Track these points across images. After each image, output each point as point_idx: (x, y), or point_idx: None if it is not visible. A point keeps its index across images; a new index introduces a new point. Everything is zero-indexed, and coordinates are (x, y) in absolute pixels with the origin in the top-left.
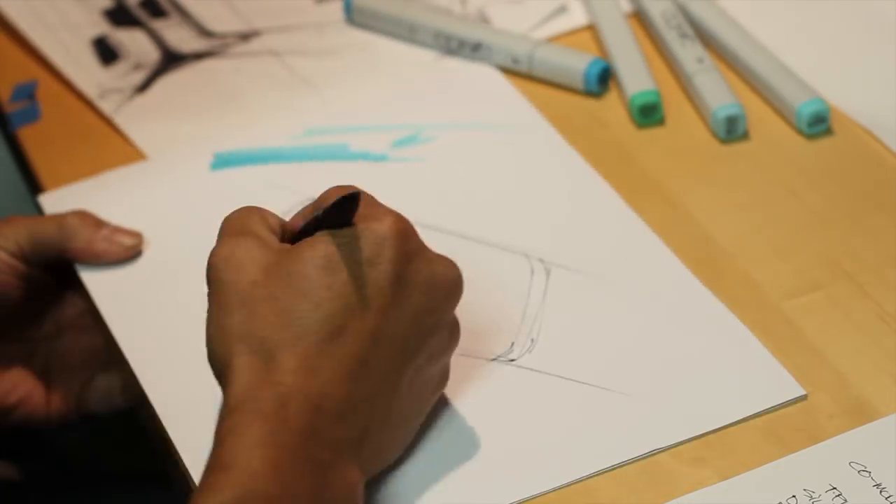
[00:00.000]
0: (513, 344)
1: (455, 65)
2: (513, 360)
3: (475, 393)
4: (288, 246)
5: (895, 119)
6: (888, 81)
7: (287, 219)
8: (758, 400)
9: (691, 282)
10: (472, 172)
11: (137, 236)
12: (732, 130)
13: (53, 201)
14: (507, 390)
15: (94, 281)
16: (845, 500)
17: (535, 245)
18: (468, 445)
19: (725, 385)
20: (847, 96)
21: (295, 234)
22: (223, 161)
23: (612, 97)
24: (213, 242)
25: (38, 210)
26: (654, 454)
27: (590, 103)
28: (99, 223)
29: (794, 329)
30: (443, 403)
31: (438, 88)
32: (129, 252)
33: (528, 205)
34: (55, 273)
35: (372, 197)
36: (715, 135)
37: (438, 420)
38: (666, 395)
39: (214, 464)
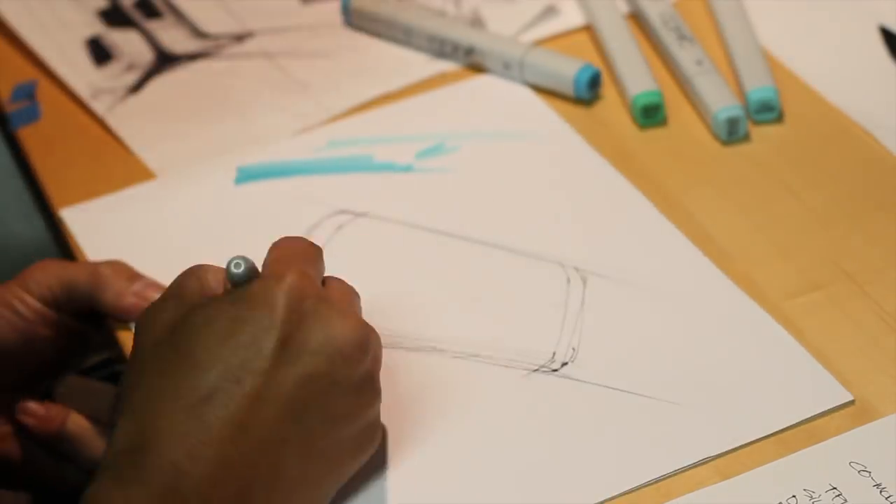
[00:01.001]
0: (554, 354)
1: (458, 71)
2: (555, 371)
3: (518, 404)
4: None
5: (895, 119)
6: (888, 81)
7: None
8: (806, 406)
9: (728, 287)
10: (499, 182)
11: None
12: (734, 132)
13: (76, 215)
14: (550, 401)
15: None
16: (845, 500)
17: (568, 254)
18: (514, 458)
19: (772, 392)
20: (847, 96)
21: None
22: (247, 175)
23: (610, 98)
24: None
25: (40, 211)
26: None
27: (590, 104)
28: (133, 276)
29: (794, 329)
30: (486, 416)
31: (462, 98)
32: None
33: (558, 213)
34: (85, 320)
35: (287, 250)
36: (715, 136)
37: (483, 433)
38: (713, 404)
39: None
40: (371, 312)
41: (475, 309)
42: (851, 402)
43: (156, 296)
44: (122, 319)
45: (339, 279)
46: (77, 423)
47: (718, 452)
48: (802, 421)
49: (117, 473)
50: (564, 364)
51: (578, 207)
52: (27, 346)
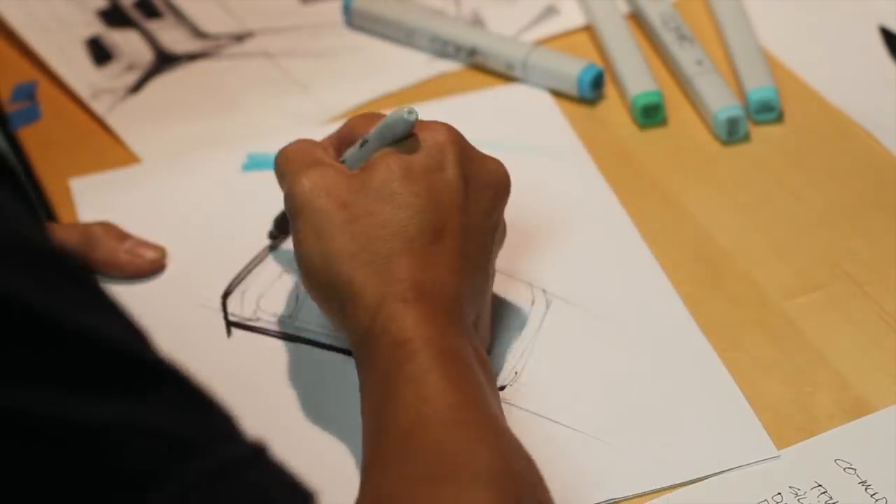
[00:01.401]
0: (497, 375)
1: (459, 71)
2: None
3: None
4: (358, 169)
5: (895, 119)
6: (888, 81)
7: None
8: (732, 456)
9: (689, 327)
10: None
11: (160, 250)
12: (734, 132)
13: (83, 187)
14: None
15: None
16: (831, 498)
17: (541, 275)
18: None
19: (702, 438)
20: (847, 96)
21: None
22: (256, 162)
23: (611, 99)
24: (239, 239)
25: (41, 211)
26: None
27: (591, 104)
28: (123, 235)
29: (794, 329)
30: None
31: (484, 106)
32: (152, 266)
33: (545, 233)
34: None
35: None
36: (715, 136)
37: None
38: (641, 444)
39: (389, 345)
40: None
41: None
42: (777, 457)
43: (149, 253)
44: (115, 276)
45: None
46: None
47: (635, 493)
48: (725, 470)
49: (399, 296)
50: (502, 387)
51: (565, 229)
52: None
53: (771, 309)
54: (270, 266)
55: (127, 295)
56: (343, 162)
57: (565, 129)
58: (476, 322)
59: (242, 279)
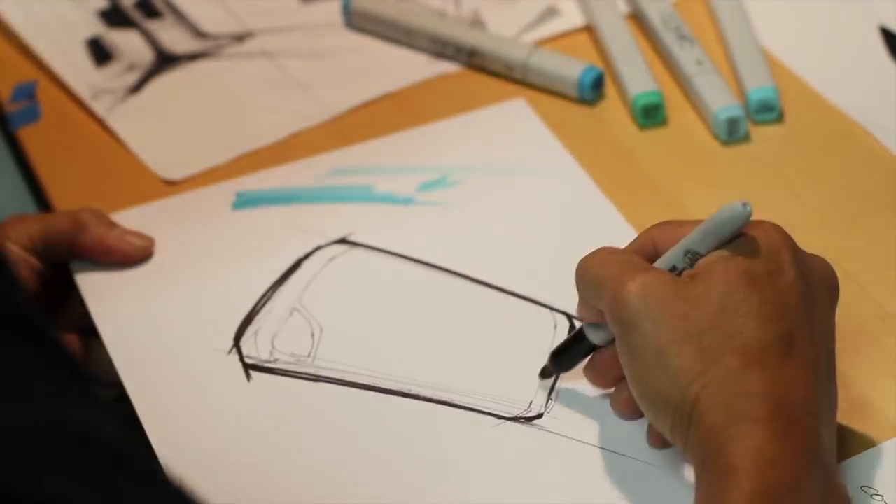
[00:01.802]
0: (531, 403)
1: (459, 71)
2: (530, 420)
3: (491, 453)
4: (687, 276)
5: (895, 119)
6: (888, 81)
7: None
8: None
9: None
10: (497, 219)
11: (148, 239)
12: (734, 132)
13: None
14: (524, 452)
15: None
16: None
17: (559, 299)
18: None
19: None
20: (847, 96)
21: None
22: (246, 200)
23: (611, 99)
24: (230, 279)
25: (41, 210)
26: None
27: (590, 104)
28: (111, 223)
29: None
30: (452, 463)
31: (472, 129)
32: (139, 252)
33: (555, 255)
34: (67, 274)
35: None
36: (715, 136)
37: (446, 482)
38: (684, 464)
39: (714, 473)
40: (351, 346)
41: (456, 351)
42: None
43: (136, 241)
44: (104, 261)
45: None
46: (75, 341)
47: None
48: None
49: (753, 415)
50: (539, 415)
51: (574, 250)
52: None
53: None
54: (279, 305)
55: (141, 348)
56: None
57: (556, 147)
58: (832, 443)
59: (252, 320)
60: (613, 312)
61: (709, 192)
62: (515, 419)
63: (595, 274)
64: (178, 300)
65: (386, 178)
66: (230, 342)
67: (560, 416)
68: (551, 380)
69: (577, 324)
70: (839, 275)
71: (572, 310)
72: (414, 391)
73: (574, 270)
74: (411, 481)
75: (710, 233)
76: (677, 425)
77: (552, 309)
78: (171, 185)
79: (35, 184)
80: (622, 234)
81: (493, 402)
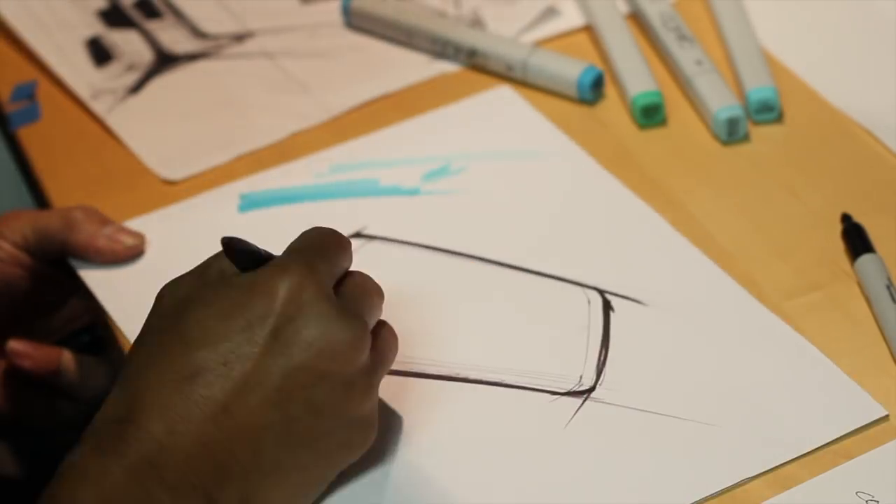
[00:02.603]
0: (581, 377)
1: (459, 71)
2: (583, 394)
3: (549, 429)
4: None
5: (895, 119)
6: (888, 81)
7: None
8: (841, 423)
9: (751, 302)
10: (509, 201)
11: (139, 237)
12: (734, 132)
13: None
14: (581, 425)
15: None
16: None
17: (586, 274)
18: (546, 484)
19: (806, 409)
20: (847, 96)
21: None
22: (251, 202)
23: (611, 99)
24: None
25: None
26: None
27: (589, 104)
28: (104, 220)
29: (794, 329)
30: (518, 441)
31: (463, 117)
32: (129, 252)
33: (571, 232)
34: (61, 269)
35: (307, 241)
36: (715, 136)
37: (514, 459)
38: (747, 423)
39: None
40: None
41: (495, 333)
42: (886, 418)
43: (127, 240)
44: (94, 260)
45: (363, 274)
46: (70, 358)
47: (756, 473)
48: (838, 438)
49: (97, 443)
50: (592, 388)
51: (590, 226)
52: (5, 288)
53: (771, 309)
54: None
55: None
56: None
57: (552, 129)
58: (222, 483)
59: None
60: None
61: (708, 192)
62: (570, 394)
63: None
64: None
65: (388, 171)
66: None
67: (613, 387)
68: (597, 357)
69: (611, 298)
70: (839, 274)
71: (601, 284)
72: (463, 375)
73: (592, 244)
74: (483, 462)
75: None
76: None
77: (582, 285)
78: (171, 185)
79: (35, 184)
80: (629, 207)
81: (545, 380)
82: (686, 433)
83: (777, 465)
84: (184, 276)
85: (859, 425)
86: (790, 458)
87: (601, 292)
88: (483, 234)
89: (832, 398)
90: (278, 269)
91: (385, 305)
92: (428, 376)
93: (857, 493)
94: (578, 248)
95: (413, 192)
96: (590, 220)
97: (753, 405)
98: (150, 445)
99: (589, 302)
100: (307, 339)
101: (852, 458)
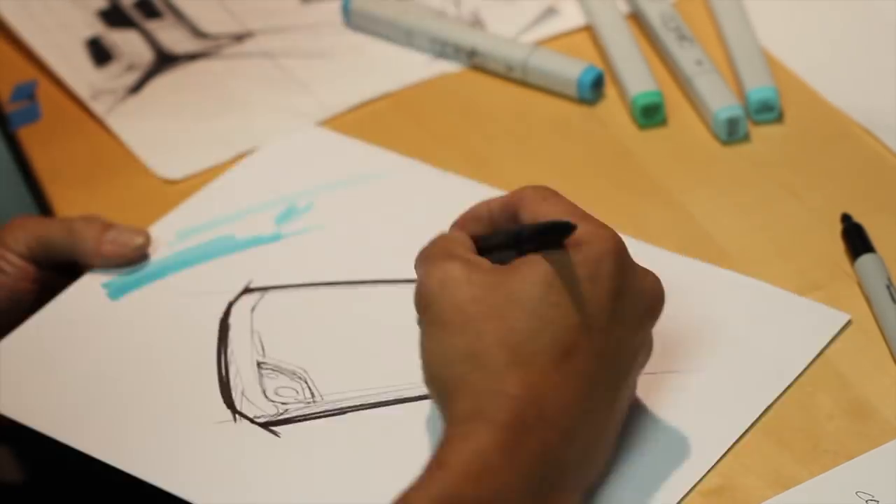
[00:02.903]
0: None
1: (459, 71)
2: None
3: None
4: (500, 266)
5: (895, 119)
6: (888, 81)
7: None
8: (815, 340)
9: (677, 258)
10: (374, 223)
11: (145, 235)
12: (734, 132)
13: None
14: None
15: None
16: None
17: None
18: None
19: (778, 339)
20: (847, 96)
21: (486, 243)
22: (118, 288)
23: (611, 99)
24: (170, 362)
25: (40, 211)
26: None
27: (589, 104)
28: (106, 225)
29: None
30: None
31: (280, 158)
32: (136, 252)
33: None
34: (67, 276)
35: (579, 209)
36: (715, 136)
37: (646, 430)
38: (732, 366)
39: (431, 462)
40: (344, 373)
41: None
42: (849, 323)
43: (133, 240)
44: (104, 266)
45: None
46: None
47: (761, 411)
48: (813, 360)
49: (492, 416)
50: None
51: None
52: (12, 301)
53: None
54: (241, 365)
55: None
56: (489, 255)
57: (378, 150)
58: (586, 460)
59: (229, 386)
60: (418, 296)
61: (709, 191)
62: None
63: (418, 261)
64: (156, 384)
65: (239, 224)
66: (227, 411)
67: None
68: None
69: None
70: (839, 274)
71: None
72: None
73: None
74: None
75: (539, 228)
76: (439, 400)
77: None
78: (171, 185)
79: (35, 184)
80: (475, 196)
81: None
82: (683, 384)
83: (775, 398)
84: (453, 265)
85: (831, 336)
86: (785, 386)
87: None
88: (369, 259)
89: (798, 321)
90: (590, 237)
91: (315, 347)
92: (406, 400)
93: (857, 493)
94: None
95: (275, 238)
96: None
97: (727, 348)
98: (544, 426)
99: None
100: (638, 296)
101: (852, 458)
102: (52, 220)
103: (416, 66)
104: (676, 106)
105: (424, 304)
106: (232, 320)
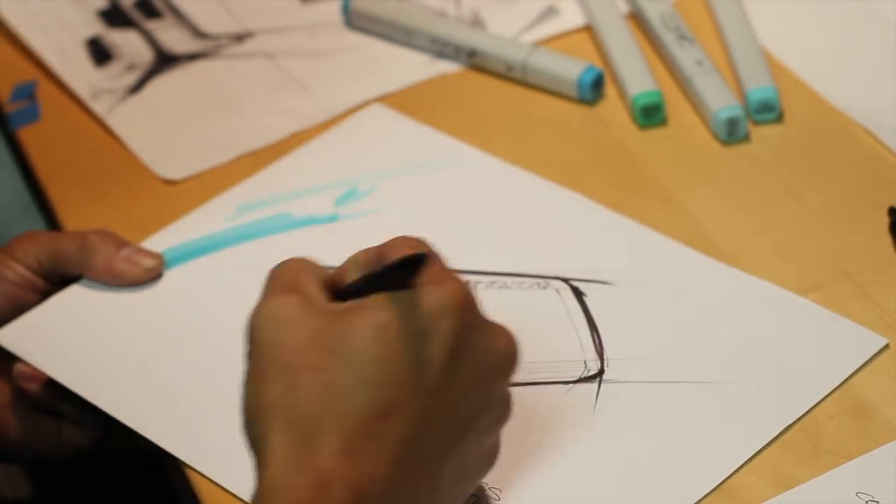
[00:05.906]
0: (585, 362)
1: (459, 71)
2: (596, 377)
3: (579, 416)
4: (338, 307)
5: (895, 119)
6: (888, 81)
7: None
8: (848, 361)
9: (711, 263)
10: (432, 213)
11: (158, 258)
12: (734, 132)
13: (10, 336)
14: (609, 405)
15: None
16: None
17: (542, 267)
18: (596, 469)
19: (811, 355)
20: (847, 96)
21: (343, 289)
22: (170, 259)
23: (611, 99)
24: (223, 339)
25: (40, 211)
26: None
27: (589, 104)
28: (121, 243)
29: None
30: (552, 433)
31: (348, 139)
32: (148, 273)
33: (508, 231)
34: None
35: (436, 256)
36: (715, 136)
37: (553, 453)
38: (760, 378)
39: None
40: None
41: None
42: (887, 347)
43: (146, 261)
44: (114, 284)
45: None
46: None
47: (787, 424)
48: (851, 375)
49: (292, 494)
50: (601, 370)
51: (525, 222)
52: (16, 312)
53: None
54: None
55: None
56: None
57: (444, 138)
58: None
59: None
60: (247, 327)
61: (709, 192)
62: (582, 380)
63: (266, 284)
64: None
65: (298, 203)
66: None
67: (619, 366)
68: (591, 341)
69: (577, 284)
70: (839, 274)
71: (562, 273)
72: None
73: (534, 238)
74: (513, 463)
75: (372, 269)
76: (252, 449)
77: (545, 277)
78: (171, 185)
79: (35, 184)
80: (555, 196)
81: (552, 372)
82: (709, 395)
83: (806, 411)
84: (287, 302)
85: (866, 359)
86: (814, 402)
87: (566, 280)
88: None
89: (832, 339)
90: (436, 287)
91: None
92: None
93: (857, 493)
94: (522, 244)
95: (332, 219)
96: (522, 216)
97: (758, 361)
98: (351, 498)
99: (558, 292)
100: (481, 357)
101: (852, 458)
102: (64, 233)
103: (416, 66)
104: (676, 106)
105: (249, 338)
106: None
